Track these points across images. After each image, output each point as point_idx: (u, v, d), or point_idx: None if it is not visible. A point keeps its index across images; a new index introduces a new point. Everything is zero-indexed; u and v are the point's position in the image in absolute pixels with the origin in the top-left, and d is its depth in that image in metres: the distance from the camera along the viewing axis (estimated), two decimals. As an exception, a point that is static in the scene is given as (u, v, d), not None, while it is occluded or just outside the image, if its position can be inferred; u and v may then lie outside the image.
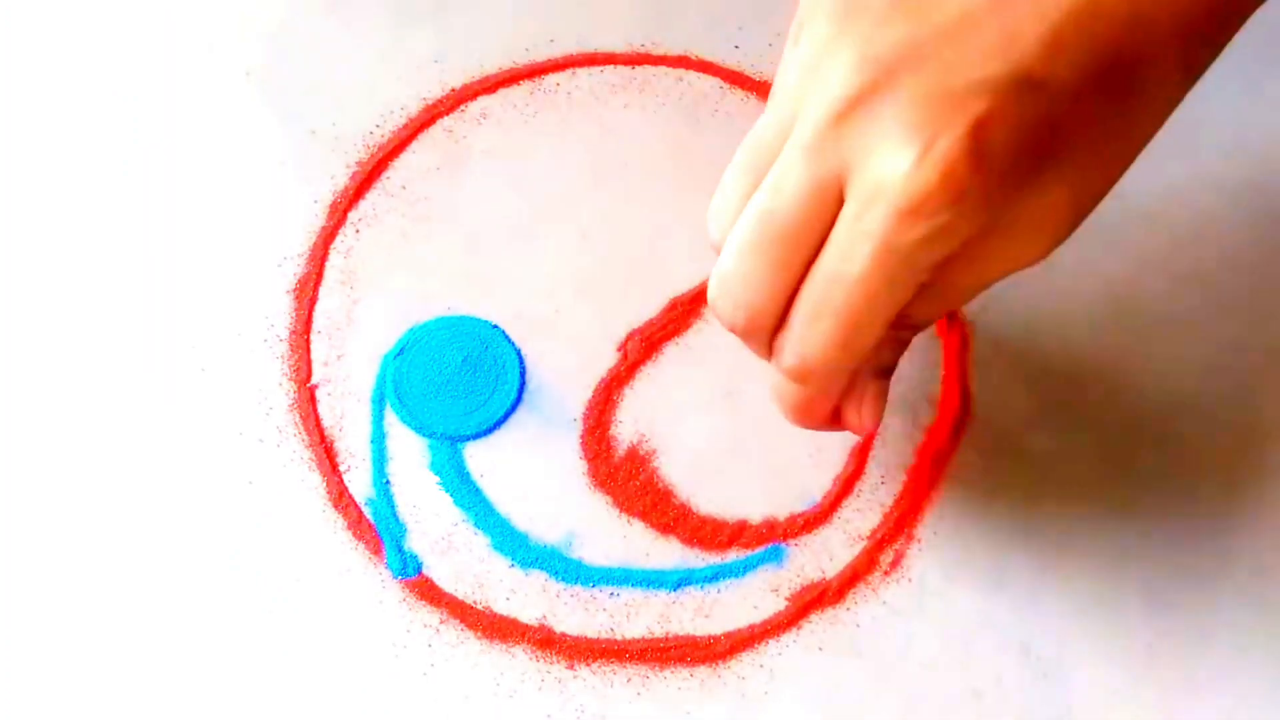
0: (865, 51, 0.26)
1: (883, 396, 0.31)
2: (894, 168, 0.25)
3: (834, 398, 0.30)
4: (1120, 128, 0.27)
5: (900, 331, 0.30)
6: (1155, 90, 0.27)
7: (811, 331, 0.27)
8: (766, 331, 0.28)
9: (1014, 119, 0.26)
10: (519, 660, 0.34)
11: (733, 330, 0.28)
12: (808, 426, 0.31)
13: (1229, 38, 0.28)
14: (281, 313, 0.37)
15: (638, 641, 0.34)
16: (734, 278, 0.28)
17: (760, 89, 0.39)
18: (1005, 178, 0.26)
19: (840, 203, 0.27)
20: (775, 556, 0.35)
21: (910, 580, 0.34)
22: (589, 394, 0.36)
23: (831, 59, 0.27)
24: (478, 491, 0.35)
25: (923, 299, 0.28)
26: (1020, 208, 0.26)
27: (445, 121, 0.39)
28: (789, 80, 0.28)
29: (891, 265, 0.26)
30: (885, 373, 0.31)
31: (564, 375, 0.36)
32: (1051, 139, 0.26)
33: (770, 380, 0.30)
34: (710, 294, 0.28)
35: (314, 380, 0.36)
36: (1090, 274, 0.37)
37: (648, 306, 0.37)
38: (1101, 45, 0.26)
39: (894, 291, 0.26)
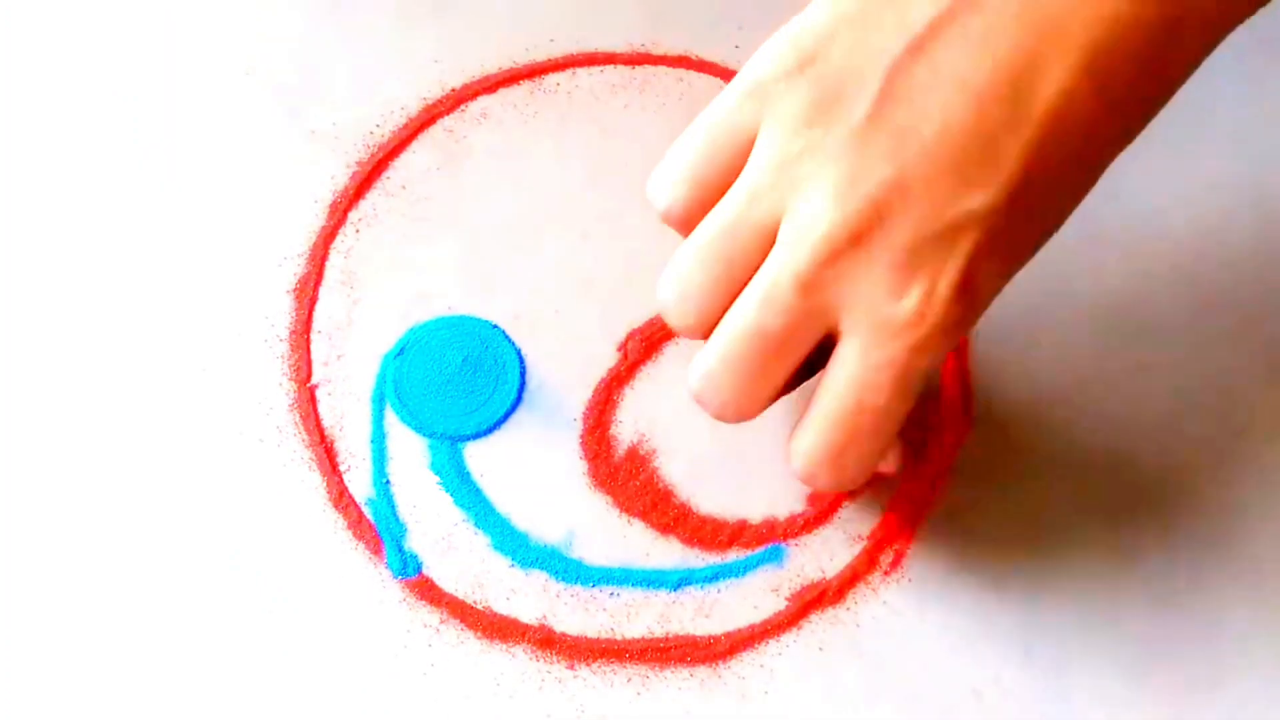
0: (852, 183, 0.27)
1: (901, 443, 0.32)
2: (899, 312, 0.28)
3: (870, 475, 0.32)
4: (1081, 194, 0.30)
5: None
6: (1107, 155, 0.30)
7: (846, 461, 0.30)
8: (750, 418, 0.31)
9: (1001, 239, 0.28)
10: (519, 660, 0.34)
11: (719, 420, 0.31)
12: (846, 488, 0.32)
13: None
14: (281, 313, 0.37)
15: (638, 641, 0.34)
16: (723, 381, 0.30)
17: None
18: (994, 288, 0.29)
19: (826, 330, 0.29)
20: (775, 556, 0.35)
21: (910, 580, 0.34)
22: (589, 394, 0.36)
23: (813, 178, 0.28)
24: (478, 491, 0.35)
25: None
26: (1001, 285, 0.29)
27: (445, 121, 0.39)
28: (761, 175, 0.29)
29: (909, 389, 0.29)
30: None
31: (564, 375, 0.36)
32: (1032, 235, 0.29)
33: (794, 474, 0.31)
34: (694, 387, 0.30)
35: (314, 380, 0.36)
36: (1090, 275, 0.37)
37: (648, 306, 0.37)
38: (1076, 142, 0.27)
39: (908, 403, 0.29)
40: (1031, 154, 0.27)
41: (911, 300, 0.27)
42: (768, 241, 0.29)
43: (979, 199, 0.27)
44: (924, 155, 0.27)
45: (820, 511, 0.35)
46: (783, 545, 0.35)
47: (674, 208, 0.31)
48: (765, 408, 0.31)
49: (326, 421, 0.36)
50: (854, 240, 0.27)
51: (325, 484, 0.35)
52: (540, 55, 0.40)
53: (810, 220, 0.28)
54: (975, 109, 0.27)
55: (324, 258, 0.38)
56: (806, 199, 0.28)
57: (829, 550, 0.35)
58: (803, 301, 0.28)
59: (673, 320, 0.31)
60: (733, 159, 0.30)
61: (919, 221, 0.27)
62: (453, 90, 0.39)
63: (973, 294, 0.28)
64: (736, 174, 0.29)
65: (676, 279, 0.30)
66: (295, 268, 0.37)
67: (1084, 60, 0.27)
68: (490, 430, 0.36)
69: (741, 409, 0.30)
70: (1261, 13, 0.40)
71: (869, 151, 0.27)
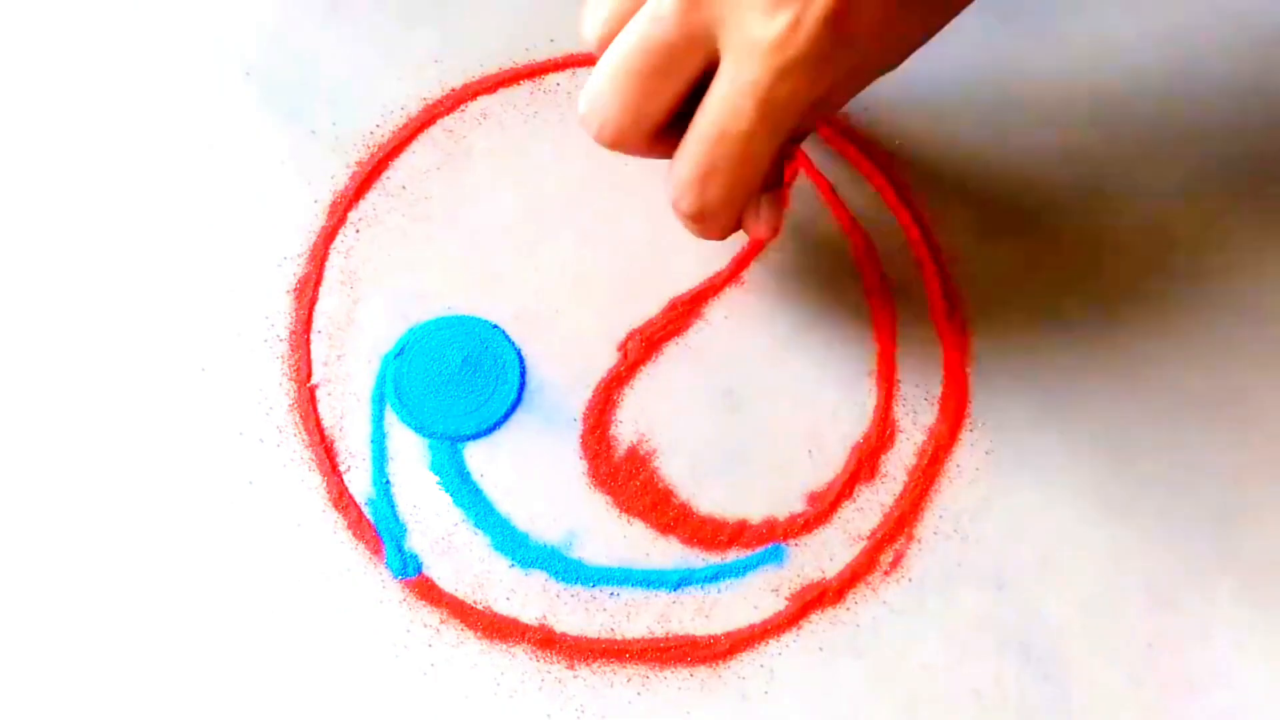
0: None
1: (779, 202, 0.34)
2: (767, 32, 0.29)
3: (736, 214, 0.33)
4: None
5: (792, 142, 0.34)
6: None
7: (709, 185, 0.31)
8: (635, 149, 0.32)
9: None
10: (519, 660, 0.34)
11: (600, 143, 0.32)
12: (711, 238, 0.34)
13: None
14: (281, 313, 0.37)
15: (638, 641, 0.34)
16: (608, 98, 0.31)
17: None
18: (869, 32, 0.30)
19: (707, 51, 0.30)
20: (775, 556, 0.35)
21: (910, 580, 0.34)
22: (589, 394, 0.36)
23: None
24: (478, 491, 0.35)
25: (805, 118, 0.31)
26: (879, 43, 0.31)
27: (445, 121, 0.39)
28: None
29: (771, 116, 0.30)
30: (777, 180, 0.34)
31: (564, 375, 0.36)
32: None
33: (669, 199, 0.32)
34: (581, 109, 0.32)
35: (314, 380, 0.36)
36: (1090, 274, 0.37)
37: (648, 306, 0.37)
38: None
39: (774, 137, 0.30)
40: None
41: (780, 21, 0.29)
42: None
43: None
44: None
45: (820, 511, 0.35)
46: (783, 545, 0.35)
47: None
48: (647, 138, 0.31)
49: (326, 421, 0.36)
50: None
51: (325, 484, 0.35)
52: (540, 55, 0.40)
53: None
54: None
55: (324, 258, 0.37)
56: None
57: (829, 550, 0.35)
58: (685, 14, 0.30)
59: (589, 44, 0.32)
60: None
61: None
62: (453, 90, 0.39)
63: (844, 28, 0.29)
64: None
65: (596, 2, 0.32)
66: (295, 268, 0.37)
67: None
68: (490, 430, 0.36)
69: (623, 129, 0.31)
70: (1261, 12, 0.40)
71: None
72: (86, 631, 0.34)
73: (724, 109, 0.30)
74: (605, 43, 0.32)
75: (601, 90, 0.31)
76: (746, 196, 0.32)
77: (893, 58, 0.32)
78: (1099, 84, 0.39)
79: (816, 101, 0.30)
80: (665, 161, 0.36)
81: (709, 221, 0.32)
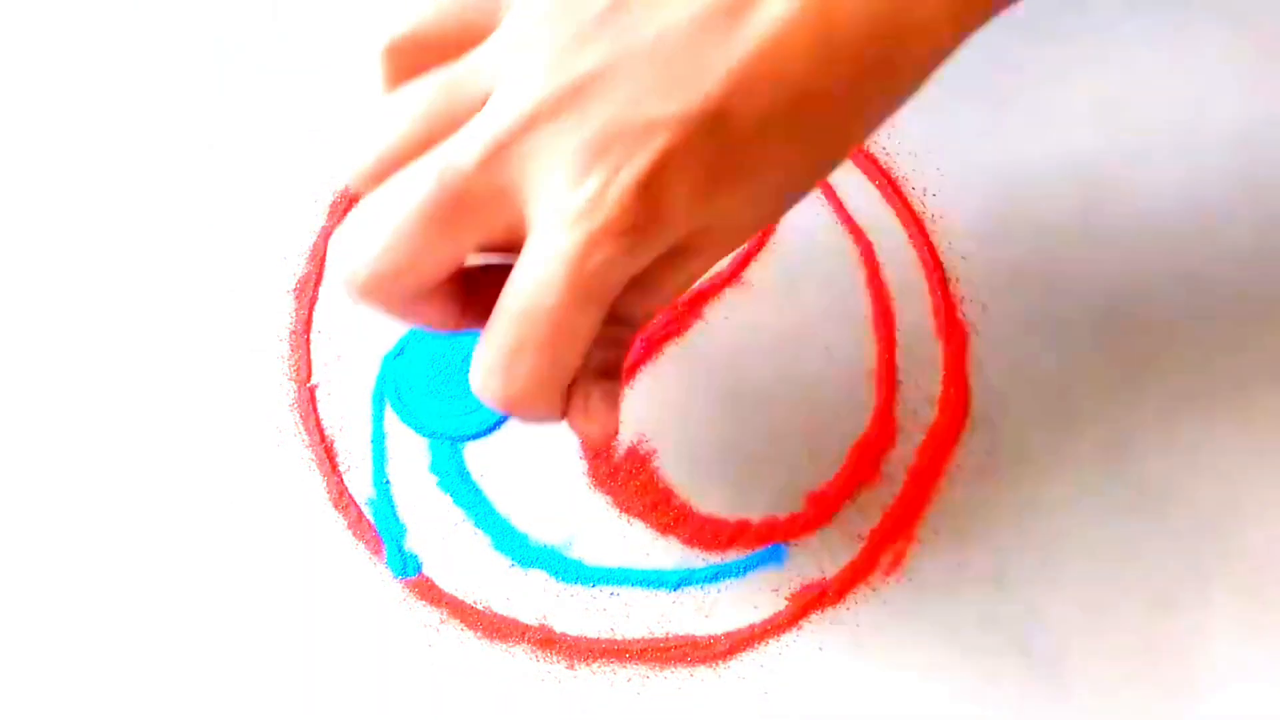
0: (563, 62, 0.27)
1: (611, 398, 0.30)
2: (578, 198, 0.26)
3: (553, 404, 0.29)
4: (806, 151, 0.28)
5: (618, 330, 0.30)
6: (841, 123, 0.28)
7: (516, 367, 0.27)
8: (389, 301, 0.28)
9: (695, 153, 0.27)
10: (519, 660, 0.34)
11: (350, 287, 0.28)
12: (537, 422, 0.30)
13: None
14: (281, 312, 0.37)
15: (638, 641, 0.34)
16: (376, 239, 0.27)
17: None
18: (685, 207, 0.27)
19: (510, 216, 0.27)
20: (775, 556, 0.35)
21: (910, 580, 0.34)
22: (589, 394, 0.36)
23: (530, 52, 0.27)
24: (478, 491, 0.35)
25: (631, 301, 0.28)
26: (710, 222, 0.28)
27: (445, 121, 0.39)
28: (489, 50, 0.28)
29: (582, 287, 0.27)
30: (609, 373, 0.30)
31: (564, 375, 0.36)
32: (735, 168, 0.27)
33: (473, 387, 0.28)
34: (334, 248, 0.28)
35: (314, 380, 0.36)
36: (1090, 274, 0.37)
37: (648, 306, 0.37)
38: (790, 81, 0.27)
39: (589, 312, 0.27)
40: (736, 77, 0.27)
41: (589, 188, 0.26)
42: (474, 109, 0.28)
43: (676, 104, 0.27)
44: (638, 54, 0.27)
45: (820, 511, 0.35)
46: (783, 545, 0.35)
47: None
48: (409, 293, 0.28)
49: (326, 421, 0.36)
50: (550, 113, 0.27)
51: (325, 484, 0.35)
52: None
53: (515, 88, 0.27)
54: (696, 25, 0.27)
55: (324, 257, 0.37)
56: (519, 69, 0.27)
57: (829, 550, 0.35)
58: (487, 168, 0.27)
59: (351, 180, 0.28)
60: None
61: (615, 110, 0.27)
62: (453, 90, 0.39)
63: (656, 199, 0.27)
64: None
65: (368, 128, 0.28)
66: (295, 267, 0.37)
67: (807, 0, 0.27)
68: (490, 430, 0.36)
69: (382, 278, 0.27)
70: (1261, 12, 0.40)
71: (590, 41, 0.27)
72: (86, 631, 0.34)
73: (531, 280, 0.27)
74: (374, 181, 0.28)
75: (369, 229, 0.27)
76: (560, 382, 0.28)
77: (733, 237, 0.29)
78: (1099, 84, 0.39)
79: (639, 278, 0.28)
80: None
81: (522, 411, 0.28)
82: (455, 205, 0.27)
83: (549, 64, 0.27)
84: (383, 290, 0.28)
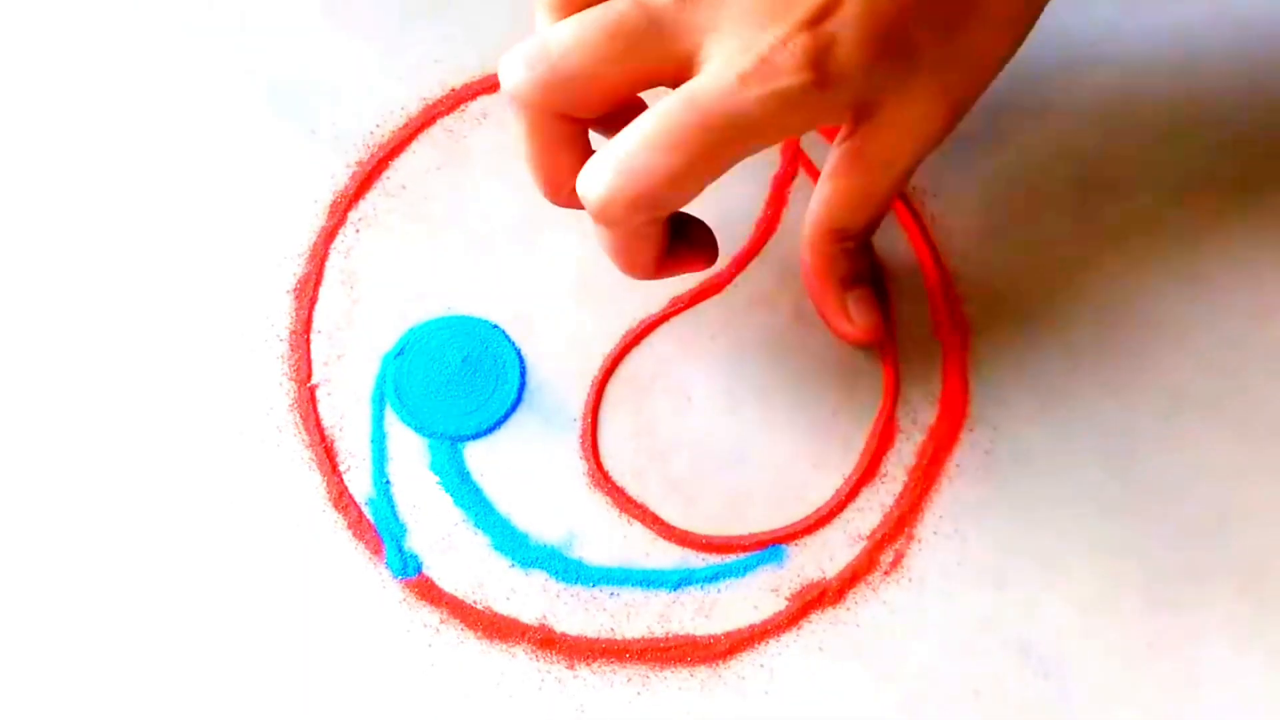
0: None
1: (866, 302, 0.35)
2: (753, 42, 0.29)
3: (651, 248, 0.31)
4: (980, 32, 0.31)
5: (844, 244, 0.34)
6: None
7: (636, 166, 0.29)
8: (561, 105, 0.30)
9: (871, 17, 0.29)
10: (519, 660, 0.34)
11: (523, 86, 0.30)
12: (631, 274, 0.33)
13: None
14: (281, 313, 0.37)
15: (638, 641, 0.34)
16: (577, 35, 0.29)
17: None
18: (856, 64, 0.29)
19: (687, 45, 0.29)
20: (775, 556, 0.35)
21: (910, 580, 0.34)
22: (589, 394, 0.36)
23: None
24: (478, 491, 0.35)
25: (839, 206, 0.33)
26: (884, 100, 0.30)
27: (445, 121, 0.39)
28: None
29: (727, 116, 0.28)
30: (854, 281, 0.35)
31: (564, 375, 0.36)
32: (900, 39, 0.29)
33: (597, 189, 0.30)
34: (539, 46, 0.30)
35: (314, 380, 0.36)
36: (1090, 274, 0.37)
37: (648, 306, 0.37)
38: None
39: (725, 145, 0.29)
40: None
41: (765, 37, 0.28)
42: None
43: None
44: None
45: (820, 511, 0.35)
46: (783, 545, 0.35)
47: None
48: (597, 100, 0.30)
49: (326, 421, 0.36)
50: None
51: (325, 484, 0.35)
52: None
53: None
54: None
55: (324, 258, 0.38)
56: None
57: (829, 550, 0.35)
58: (681, 6, 0.29)
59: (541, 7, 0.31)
60: None
61: None
62: (453, 90, 0.39)
63: (825, 53, 0.29)
64: None
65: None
66: (295, 267, 0.37)
67: None
68: (490, 430, 0.36)
69: (587, 92, 0.30)
70: (1261, 11, 0.40)
71: None
72: (86, 631, 0.34)
73: (683, 95, 0.29)
74: (566, 8, 0.30)
75: (566, 33, 0.29)
76: (665, 204, 0.29)
77: (912, 115, 0.32)
78: (1099, 82, 0.39)
79: (840, 168, 0.32)
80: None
81: (609, 223, 0.30)
82: (647, 27, 0.29)
83: None
84: (573, 89, 0.29)
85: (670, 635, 0.34)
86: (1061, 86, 0.39)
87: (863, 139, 0.32)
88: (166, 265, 0.37)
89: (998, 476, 0.35)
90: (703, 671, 0.34)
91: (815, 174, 0.38)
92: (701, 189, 0.30)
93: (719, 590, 0.34)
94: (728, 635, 0.34)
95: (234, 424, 0.36)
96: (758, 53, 0.28)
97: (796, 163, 0.38)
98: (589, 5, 0.30)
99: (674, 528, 0.35)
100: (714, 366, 0.36)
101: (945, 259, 0.37)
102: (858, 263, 0.35)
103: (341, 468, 0.35)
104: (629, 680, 0.33)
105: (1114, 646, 0.34)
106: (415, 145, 0.39)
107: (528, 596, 0.34)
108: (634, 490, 0.35)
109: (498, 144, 0.39)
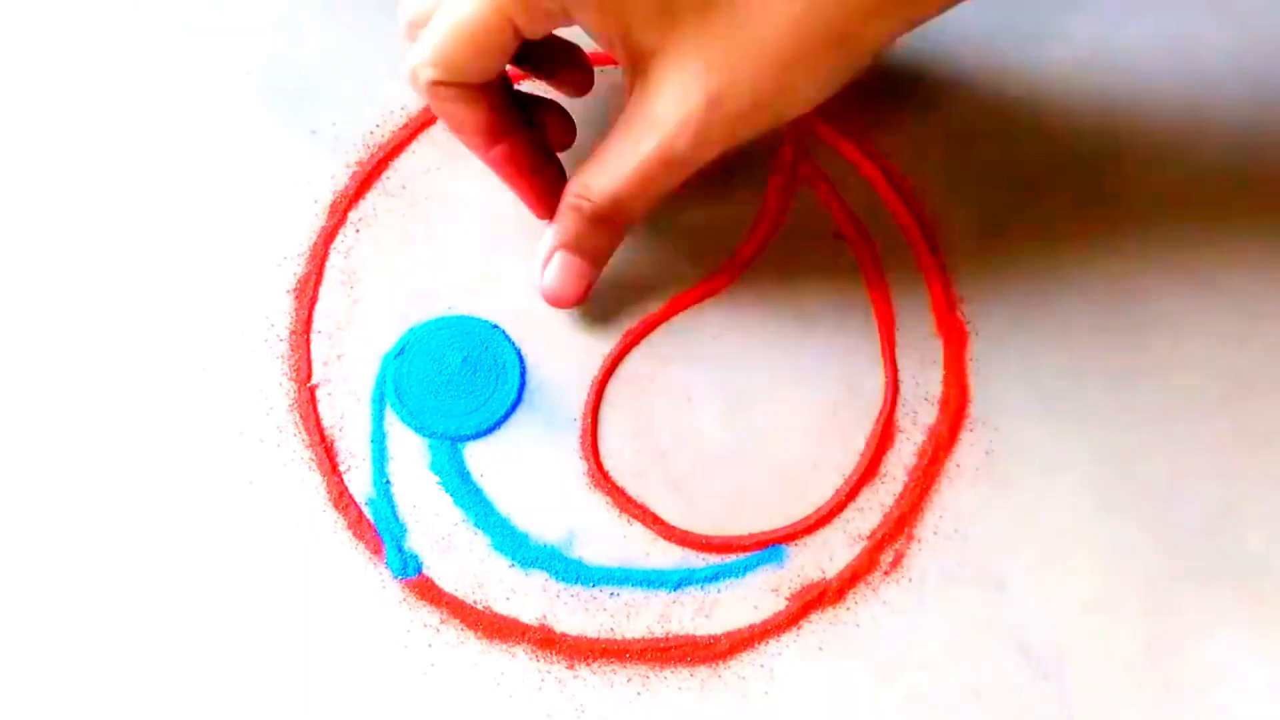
0: None
1: (573, 272, 0.35)
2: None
3: (475, 115, 0.34)
4: (747, 19, 0.31)
5: (579, 198, 0.34)
6: None
7: (425, 35, 0.33)
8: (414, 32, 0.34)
9: None
10: (519, 660, 0.34)
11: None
12: (466, 144, 0.35)
13: None
14: (281, 313, 0.37)
15: (638, 641, 0.34)
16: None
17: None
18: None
19: None
20: (775, 556, 0.35)
21: (910, 580, 0.34)
22: (589, 394, 0.36)
23: None
24: (478, 491, 0.35)
25: (590, 159, 0.34)
26: (650, 55, 0.32)
27: (445, 121, 0.39)
28: None
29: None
30: (571, 242, 0.35)
31: (564, 375, 0.36)
32: None
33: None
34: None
35: (314, 380, 0.36)
36: (1090, 274, 0.37)
37: (648, 306, 0.37)
38: None
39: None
40: None
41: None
42: None
43: None
44: None
45: (820, 511, 0.35)
46: (783, 545, 0.35)
47: None
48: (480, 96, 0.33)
49: (326, 421, 0.36)
50: None
51: (325, 484, 0.35)
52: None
53: None
54: None
55: (324, 258, 0.38)
56: None
57: (829, 550, 0.35)
58: None
59: None
60: None
61: None
62: (453, 90, 0.39)
63: None
64: None
65: None
66: (295, 268, 0.37)
67: None
68: (490, 430, 0.36)
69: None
70: (1261, 12, 0.40)
71: None
72: (86, 630, 0.34)
73: None
74: None
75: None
76: (455, 72, 0.33)
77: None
78: (1099, 84, 0.39)
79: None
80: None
81: (429, 94, 0.33)
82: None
83: None
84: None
85: (670, 635, 0.34)
86: (1062, 87, 0.39)
87: (630, 99, 0.33)
88: (167, 265, 0.37)
89: (998, 476, 0.35)
90: (703, 671, 0.34)
91: (816, 176, 0.38)
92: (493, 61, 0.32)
93: (719, 590, 0.34)
94: (728, 635, 0.34)
95: (234, 424, 0.36)
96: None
97: (797, 165, 0.38)
98: None
99: (674, 528, 0.35)
100: (714, 366, 0.36)
101: (945, 259, 0.37)
102: (579, 229, 0.35)
103: (341, 468, 0.35)
104: (629, 680, 0.33)
105: (1114, 646, 0.34)
106: (415, 145, 0.39)
107: (528, 596, 0.34)
108: (634, 490, 0.35)
109: (498, 144, 0.39)
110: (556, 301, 0.35)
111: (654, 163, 0.32)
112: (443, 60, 0.32)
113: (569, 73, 0.36)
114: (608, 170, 0.33)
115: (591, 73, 0.37)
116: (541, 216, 0.36)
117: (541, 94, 0.37)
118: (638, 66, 0.32)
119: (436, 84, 0.33)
